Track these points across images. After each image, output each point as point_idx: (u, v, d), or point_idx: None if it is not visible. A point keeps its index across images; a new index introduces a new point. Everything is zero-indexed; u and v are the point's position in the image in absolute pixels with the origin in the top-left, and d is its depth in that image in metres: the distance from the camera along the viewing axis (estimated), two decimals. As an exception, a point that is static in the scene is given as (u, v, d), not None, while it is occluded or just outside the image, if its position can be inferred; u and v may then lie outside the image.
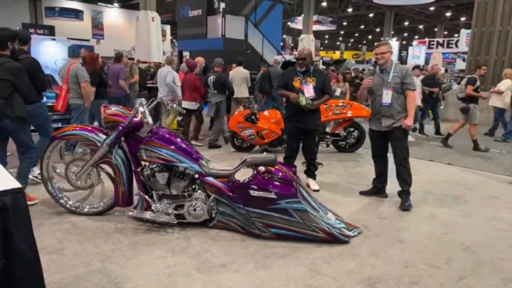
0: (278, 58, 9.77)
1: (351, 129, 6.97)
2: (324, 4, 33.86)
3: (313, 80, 4.53)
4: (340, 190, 4.90)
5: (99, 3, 29.63)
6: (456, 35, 34.99)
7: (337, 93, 8.90)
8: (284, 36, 39.61)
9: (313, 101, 4.44)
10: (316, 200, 3.56)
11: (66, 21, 24.99)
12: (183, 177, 3.49)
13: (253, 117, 6.40)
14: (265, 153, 3.98)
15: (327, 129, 7.25)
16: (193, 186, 3.50)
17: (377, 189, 4.59)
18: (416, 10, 33.60)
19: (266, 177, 3.26)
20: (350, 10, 35.40)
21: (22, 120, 3.79)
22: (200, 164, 3.48)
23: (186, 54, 15.73)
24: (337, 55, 42.82)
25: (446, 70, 20.90)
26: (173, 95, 7.24)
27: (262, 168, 3.33)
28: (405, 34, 45.94)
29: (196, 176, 3.46)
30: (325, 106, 6.70)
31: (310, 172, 4.91)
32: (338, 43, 47.66)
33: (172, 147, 3.43)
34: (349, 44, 51.42)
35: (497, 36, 11.30)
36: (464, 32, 28.02)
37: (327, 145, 6.99)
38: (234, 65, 9.23)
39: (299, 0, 31.63)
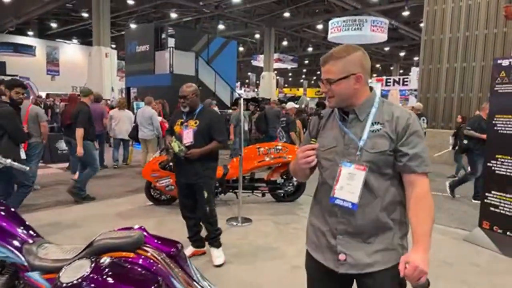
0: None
1: (290, 175, 5.99)
2: (285, 43, 34.16)
3: (195, 123, 3.55)
4: (260, 259, 3.82)
5: (57, 39, 28.44)
6: (411, 73, 35.90)
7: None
8: (249, 73, 39.62)
9: (189, 148, 3.45)
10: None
11: (18, 57, 23.55)
12: (1, 272, 2.32)
13: (170, 163, 5.31)
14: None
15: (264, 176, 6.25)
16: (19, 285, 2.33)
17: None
18: (373, 49, 34.39)
19: (108, 274, 2.13)
20: (310, 49, 35.82)
21: None
22: (25, 251, 2.32)
23: (134, 90, 14.68)
24: (300, 92, 43.07)
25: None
26: (157, 134, 7.77)
27: (107, 260, 2.21)
28: (364, 72, 46.87)
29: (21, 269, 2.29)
30: (258, 149, 5.73)
31: (210, 238, 3.76)
32: (301, 80, 48.16)
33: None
34: (312, 82, 52.12)
35: (445, 73, 10.95)
36: (414, 70, 28.56)
37: (263, 195, 5.94)
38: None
39: (262, 39, 31.68)
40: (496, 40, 10.12)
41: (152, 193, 5.66)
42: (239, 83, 45.43)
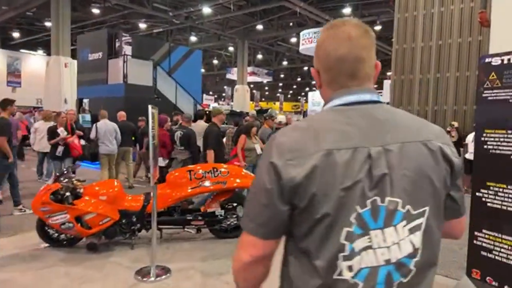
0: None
1: (234, 204, 4.71)
2: (260, 56, 33.27)
3: None
4: None
5: (22, 50, 26.62)
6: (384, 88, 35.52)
7: (258, 151, 6.77)
8: (225, 87, 38.52)
9: None
10: None
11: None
12: None
13: (68, 193, 3.96)
14: None
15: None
16: None
17: None
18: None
19: None
20: (285, 63, 35.03)
21: None
22: None
23: (86, 101, 13.22)
24: (276, 106, 42.25)
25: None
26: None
27: None
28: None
29: None
30: (190, 173, 4.46)
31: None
32: (278, 94, 47.34)
33: None
34: (289, 96, 51.42)
35: (417, 84, 10.01)
36: (387, 83, 27.90)
37: (198, 230, 4.63)
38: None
39: (236, 51, 30.69)
40: (471, 49, 9.25)
41: (48, 231, 4.24)
42: (214, 96, 44.38)
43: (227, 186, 4.34)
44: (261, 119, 11.88)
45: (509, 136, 3.11)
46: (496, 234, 3.21)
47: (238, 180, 4.43)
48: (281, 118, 7.52)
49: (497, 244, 3.20)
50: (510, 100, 3.11)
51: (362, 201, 0.84)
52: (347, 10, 20.29)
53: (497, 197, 3.20)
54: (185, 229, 4.52)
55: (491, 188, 3.24)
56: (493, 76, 3.23)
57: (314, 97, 28.68)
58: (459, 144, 8.10)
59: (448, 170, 0.93)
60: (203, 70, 39.39)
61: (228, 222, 4.61)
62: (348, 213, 0.84)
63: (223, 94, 43.97)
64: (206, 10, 19.39)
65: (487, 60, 3.30)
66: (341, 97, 0.94)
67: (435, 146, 0.92)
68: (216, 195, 4.57)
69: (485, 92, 3.30)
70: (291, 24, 25.22)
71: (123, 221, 4.14)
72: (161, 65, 12.81)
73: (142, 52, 12.63)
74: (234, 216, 4.61)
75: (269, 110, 17.35)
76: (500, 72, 3.18)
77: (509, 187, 3.12)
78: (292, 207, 0.86)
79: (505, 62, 3.15)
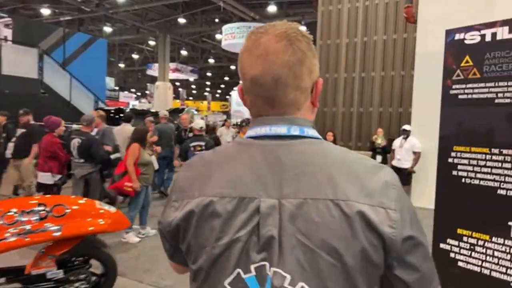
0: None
1: (80, 259, 2.96)
2: (185, 53, 31.22)
3: None
4: None
5: None
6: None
7: (156, 165, 5.24)
8: (148, 84, 35.69)
9: None
10: None
11: None
12: None
13: None
14: None
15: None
16: None
17: None
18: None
19: None
20: (212, 61, 33.37)
21: None
22: None
23: None
24: (204, 105, 40.64)
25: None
26: None
27: None
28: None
29: None
30: None
31: None
32: (205, 93, 45.48)
33: None
34: (217, 95, 49.88)
35: (343, 84, 9.11)
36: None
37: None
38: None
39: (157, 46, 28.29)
40: (396, 47, 8.54)
41: None
42: (136, 95, 41.18)
43: (62, 235, 2.64)
44: (177, 120, 10.14)
45: (496, 157, 1.91)
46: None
47: (87, 221, 2.76)
48: (200, 123, 5.82)
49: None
50: (497, 101, 1.91)
51: (244, 265, 0.67)
52: (272, 8, 19.38)
53: (474, 254, 1.99)
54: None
55: (465, 238, 2.02)
56: (467, 62, 2.00)
57: (238, 97, 27.43)
58: (387, 150, 7.23)
59: (376, 243, 0.64)
60: (122, 65, 36.24)
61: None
62: (224, 275, 0.68)
63: (147, 92, 41.00)
64: (120, -3, 17.08)
65: (457, 36, 2.07)
66: (253, 127, 0.76)
67: (352, 209, 0.64)
68: (48, 247, 2.82)
69: (454, 87, 2.07)
70: (216, 20, 23.79)
71: None
72: (51, 55, 10.43)
73: (26, 37, 10.13)
74: (84, 277, 2.90)
75: (185, 109, 15.55)
76: (479, 55, 1.97)
77: (494, 239, 1.92)
78: (179, 249, 0.76)
79: (488, 39, 1.94)
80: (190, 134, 6.53)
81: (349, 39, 8.98)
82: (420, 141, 6.47)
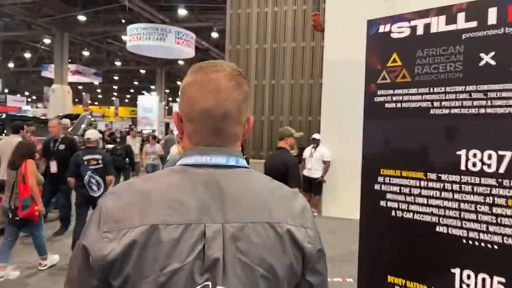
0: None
1: None
2: (87, 53, 28.43)
3: None
4: None
5: None
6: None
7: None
8: (45, 87, 31.69)
9: None
10: None
11: None
12: None
13: None
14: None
15: None
16: None
17: None
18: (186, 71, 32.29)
19: None
20: (119, 63, 30.99)
21: None
22: None
23: None
24: (111, 110, 37.68)
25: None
26: None
27: None
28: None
29: None
30: None
31: None
32: (113, 98, 42.21)
33: None
34: (126, 100, 46.80)
35: (253, 91, 8.73)
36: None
37: None
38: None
39: (53, 45, 25.19)
40: (305, 55, 8.44)
41: None
42: (29, 98, 36.45)
43: None
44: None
45: (433, 184, 1.47)
46: None
47: None
48: (88, 134, 4.65)
49: None
50: (432, 111, 1.47)
51: None
52: (182, 12, 18.57)
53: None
54: None
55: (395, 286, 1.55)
56: (394, 61, 1.55)
57: (145, 103, 25.64)
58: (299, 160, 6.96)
59: (298, 257, 0.78)
60: (12, 65, 31.67)
61: None
62: None
63: (44, 96, 36.44)
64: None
65: (381, 28, 1.61)
66: (193, 155, 0.80)
67: (283, 229, 0.77)
68: None
69: (379, 93, 1.61)
70: (123, 21, 21.99)
71: None
72: None
73: None
74: None
75: (81, 115, 13.75)
76: (409, 52, 1.52)
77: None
78: (108, 284, 0.71)
79: (420, 31, 1.50)
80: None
81: (258, 44, 8.64)
82: (329, 149, 6.31)
